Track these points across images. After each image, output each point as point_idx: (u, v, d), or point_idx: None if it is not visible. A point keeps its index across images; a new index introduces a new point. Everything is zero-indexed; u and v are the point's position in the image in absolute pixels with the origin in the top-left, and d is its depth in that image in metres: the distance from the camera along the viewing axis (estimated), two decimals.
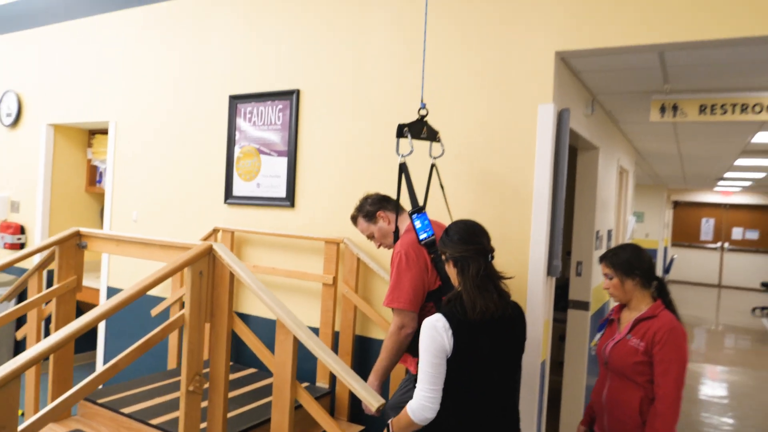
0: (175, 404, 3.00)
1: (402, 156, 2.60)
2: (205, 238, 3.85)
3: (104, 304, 2.10)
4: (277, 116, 3.74)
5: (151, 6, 4.36)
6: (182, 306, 3.99)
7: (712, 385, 6.31)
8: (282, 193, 3.71)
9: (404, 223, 2.65)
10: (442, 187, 2.81)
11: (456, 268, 2.10)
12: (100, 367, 4.59)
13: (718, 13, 2.50)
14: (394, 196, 2.72)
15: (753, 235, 15.28)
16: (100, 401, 2.97)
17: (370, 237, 2.77)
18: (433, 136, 2.79)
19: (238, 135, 3.91)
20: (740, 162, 7.69)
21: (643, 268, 2.39)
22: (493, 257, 2.14)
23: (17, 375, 1.65)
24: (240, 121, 3.89)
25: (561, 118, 2.90)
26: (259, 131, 3.81)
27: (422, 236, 2.41)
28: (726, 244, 15.49)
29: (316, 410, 2.24)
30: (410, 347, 2.46)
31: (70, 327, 1.98)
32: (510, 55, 2.93)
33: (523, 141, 2.89)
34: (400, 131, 2.61)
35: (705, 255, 15.71)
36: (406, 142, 2.61)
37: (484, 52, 3.00)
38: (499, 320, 2.05)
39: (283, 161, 3.71)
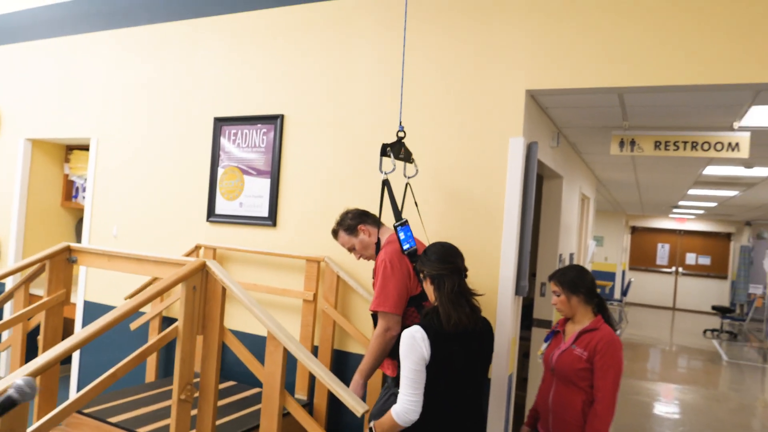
0: (159, 414, 3.10)
1: (385, 173, 2.83)
2: (187, 255, 3.97)
3: (104, 317, 2.22)
4: (261, 139, 3.91)
5: (138, 28, 4.49)
6: (162, 320, 4.11)
7: (666, 402, 6.63)
8: (264, 212, 3.86)
9: (385, 235, 2.85)
10: (416, 204, 3.04)
11: (433, 285, 2.33)
12: (74, 380, 4.61)
13: (671, 63, 2.80)
14: (374, 212, 2.92)
15: (705, 260, 15.99)
16: (86, 411, 3.05)
17: (351, 249, 2.94)
18: (408, 157, 3.02)
19: (221, 155, 4.06)
20: (693, 192, 8.16)
21: (586, 287, 2.67)
22: (466, 276, 2.36)
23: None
24: (224, 142, 4.05)
25: (530, 150, 3.15)
26: (243, 153, 3.97)
27: (405, 246, 2.64)
28: (680, 269, 16.16)
29: (303, 417, 2.40)
30: (390, 351, 2.64)
31: (76, 337, 2.11)
32: (485, 91, 3.19)
33: (495, 169, 3.13)
34: (384, 150, 2.85)
35: (660, 279, 16.34)
36: (388, 161, 2.84)
37: (461, 87, 3.25)
38: (471, 332, 2.28)
39: (266, 182, 3.88)
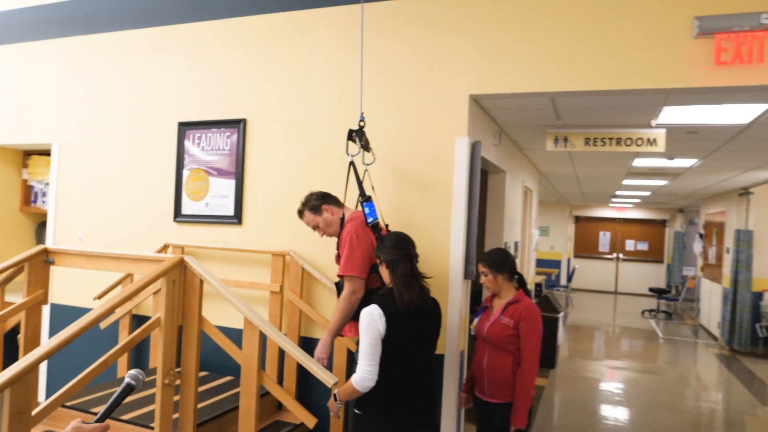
0: (140, 403, 3.31)
1: (351, 155, 3.20)
2: (157, 253, 4.15)
3: (87, 315, 2.41)
4: (225, 142, 4.14)
5: (101, 35, 4.62)
6: (132, 318, 4.28)
7: (608, 378, 7.17)
8: (230, 211, 4.10)
9: (347, 212, 3.19)
10: (372, 188, 3.41)
11: (388, 269, 2.66)
12: (43, 377, 4.72)
13: (596, 71, 3.20)
14: (337, 195, 3.28)
15: (643, 246, 16.96)
16: (67, 404, 3.22)
17: (315, 227, 3.25)
18: (366, 146, 3.37)
19: (186, 158, 4.26)
20: (627, 182, 8.79)
21: (509, 266, 3.11)
22: (417, 261, 2.71)
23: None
24: (189, 146, 4.25)
25: (474, 149, 3.51)
26: (208, 155, 4.19)
27: (370, 219, 3.03)
28: (620, 255, 17.08)
29: (278, 392, 2.68)
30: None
31: (60, 336, 2.29)
32: (433, 95, 3.52)
33: (444, 165, 3.48)
34: (350, 135, 3.22)
35: (603, 265, 17.24)
36: (353, 145, 3.22)
37: (412, 92, 3.58)
38: (422, 311, 2.63)
39: (231, 182, 4.11)
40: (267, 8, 4.02)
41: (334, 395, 2.57)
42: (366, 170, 3.39)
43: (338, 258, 3.07)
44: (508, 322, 2.98)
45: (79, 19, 4.74)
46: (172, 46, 4.35)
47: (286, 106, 3.94)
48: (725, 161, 6.02)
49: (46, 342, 2.26)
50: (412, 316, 2.58)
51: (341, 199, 3.29)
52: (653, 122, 4.05)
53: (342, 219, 3.17)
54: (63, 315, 4.59)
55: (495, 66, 3.39)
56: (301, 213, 3.26)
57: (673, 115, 3.87)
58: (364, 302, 2.82)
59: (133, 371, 1.52)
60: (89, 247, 4.52)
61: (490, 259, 3.11)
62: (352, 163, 3.23)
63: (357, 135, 3.26)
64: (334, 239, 3.31)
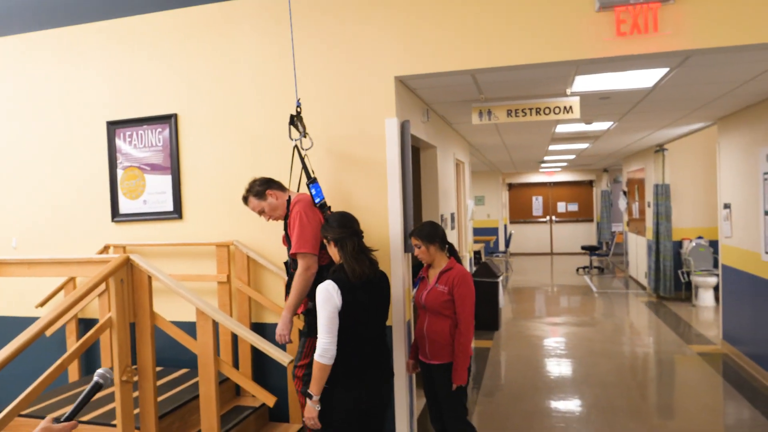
0: (98, 404, 3.34)
1: (294, 140, 3.33)
2: (98, 254, 4.13)
3: (38, 322, 2.45)
4: (157, 138, 4.13)
5: (20, 36, 4.47)
6: (78, 322, 4.26)
7: (549, 334, 7.62)
8: (169, 207, 4.11)
9: (293, 195, 3.33)
10: (312, 172, 3.48)
11: (336, 247, 2.81)
12: None
13: (511, 46, 3.41)
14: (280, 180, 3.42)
15: (574, 207, 17.79)
16: (24, 413, 3.22)
17: (260, 212, 3.37)
18: (304, 131, 3.49)
19: (119, 157, 4.23)
20: (552, 147, 9.22)
21: (439, 237, 3.34)
22: (362, 236, 2.86)
23: None
24: (120, 144, 4.21)
25: (403, 128, 3.67)
26: (141, 153, 4.17)
27: (317, 200, 3.22)
28: (553, 218, 17.86)
29: (237, 376, 2.79)
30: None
31: (15, 343, 2.33)
32: (361, 79, 3.65)
33: (376, 145, 3.63)
34: (292, 120, 3.36)
35: (537, 228, 17.98)
36: (295, 130, 3.37)
37: (342, 76, 3.69)
38: (372, 282, 2.81)
39: (168, 178, 4.12)
40: (189, 1, 4.01)
41: (308, 394, 2.67)
42: (305, 155, 3.50)
43: (285, 240, 3.22)
44: (442, 289, 3.21)
45: None
46: (94, 44, 4.27)
47: (216, 98, 3.98)
48: (637, 122, 6.45)
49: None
50: (365, 288, 2.75)
51: (286, 184, 3.41)
52: (568, 91, 4.34)
53: (288, 201, 3.29)
54: (3, 326, 4.49)
55: (416, 48, 3.55)
56: (245, 199, 3.38)
57: (585, 83, 4.16)
58: (316, 280, 2.97)
59: (101, 370, 1.60)
60: (28, 255, 4.45)
61: (421, 232, 3.33)
62: (295, 147, 3.35)
63: (298, 119, 3.38)
64: (278, 225, 3.42)
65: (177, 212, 4.09)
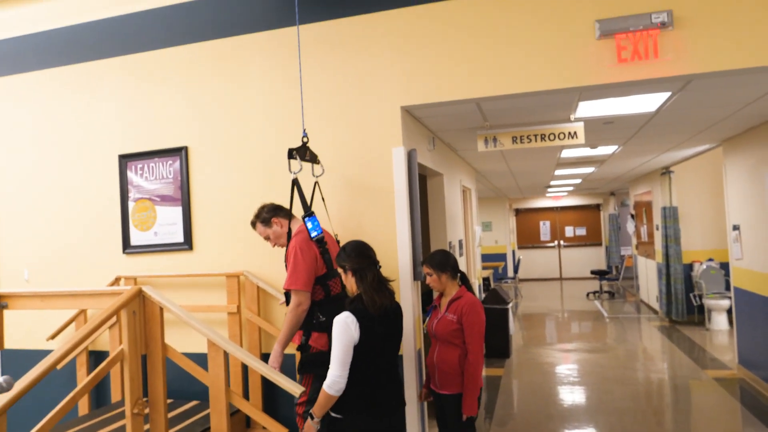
0: None
1: (294, 173, 3.31)
2: (109, 286, 4.16)
3: (51, 355, 2.47)
4: (168, 171, 4.20)
5: (34, 73, 4.59)
6: (89, 354, 4.28)
7: (561, 361, 7.54)
8: (180, 238, 4.15)
9: (295, 225, 3.35)
10: (323, 200, 3.56)
11: (355, 277, 2.79)
12: None
13: (515, 75, 3.47)
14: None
15: (582, 231, 17.75)
16: None
17: (267, 238, 3.43)
18: (314, 159, 3.53)
19: (131, 189, 4.29)
20: (558, 172, 9.25)
21: (451, 265, 3.34)
22: (380, 267, 2.87)
23: None
24: (132, 176, 4.28)
25: (410, 156, 3.72)
26: (152, 185, 4.23)
27: (313, 234, 3.18)
28: (561, 242, 17.80)
29: (248, 408, 2.79)
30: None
31: (30, 376, 2.35)
32: (368, 109, 3.72)
33: (384, 173, 3.67)
34: (290, 153, 3.33)
35: (546, 253, 17.92)
36: (295, 162, 3.34)
37: (349, 106, 3.76)
38: (390, 313, 2.79)
39: (178, 210, 4.17)
40: (199, 37, 4.12)
41: (310, 415, 2.67)
42: (317, 182, 3.54)
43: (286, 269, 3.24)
44: (451, 317, 3.21)
45: (8, 58, 4.69)
46: (107, 80, 4.37)
47: (226, 130, 4.05)
48: (642, 145, 6.48)
49: (13, 387, 2.30)
50: (382, 319, 2.73)
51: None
52: (572, 116, 4.38)
53: (289, 232, 3.32)
54: (15, 359, 4.51)
55: (422, 78, 3.61)
56: (253, 224, 3.45)
57: (588, 108, 4.21)
58: (334, 311, 2.98)
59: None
60: (39, 287, 4.49)
61: (433, 260, 3.34)
62: (294, 181, 3.37)
63: (298, 152, 3.39)
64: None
65: (187, 243, 4.13)
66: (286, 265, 3.21)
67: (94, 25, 4.43)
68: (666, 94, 3.93)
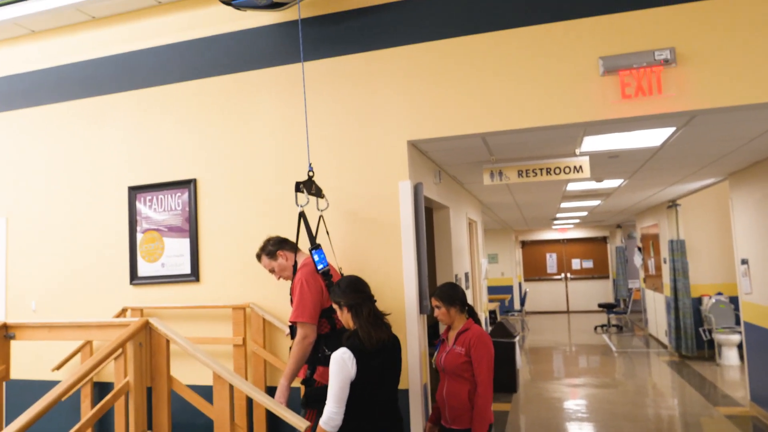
0: None
1: (300, 206, 3.35)
2: (116, 317, 4.17)
3: (58, 387, 2.47)
4: (176, 203, 4.24)
5: (46, 107, 4.68)
6: (93, 385, 4.26)
7: (570, 396, 7.43)
8: (187, 269, 4.17)
9: (301, 258, 3.37)
10: (327, 233, 3.59)
11: (351, 312, 2.80)
12: None
13: (520, 110, 3.52)
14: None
15: (588, 264, 17.66)
16: None
17: (272, 271, 3.45)
18: (319, 193, 3.57)
19: (140, 220, 4.33)
20: (564, 205, 9.26)
21: (459, 299, 3.31)
22: (375, 301, 2.88)
23: None
24: (141, 208, 4.33)
25: (416, 190, 3.75)
26: (161, 216, 4.27)
27: (320, 267, 3.19)
28: (568, 275, 17.70)
29: None
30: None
31: (37, 407, 2.34)
32: (375, 143, 3.77)
33: (391, 207, 3.70)
34: (297, 187, 3.38)
35: (552, 286, 17.81)
36: (302, 195, 3.39)
37: (356, 140, 3.81)
38: (387, 347, 2.78)
39: (186, 241, 4.20)
40: (209, 72, 4.21)
41: None
42: (321, 216, 3.57)
43: (292, 302, 3.23)
44: (460, 350, 3.17)
45: (21, 92, 4.80)
46: (117, 114, 4.46)
47: (234, 163, 4.11)
48: (648, 179, 6.51)
49: (18, 419, 2.30)
50: (379, 353, 2.73)
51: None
52: (577, 151, 4.42)
53: (295, 265, 3.33)
54: (20, 390, 4.49)
55: (428, 113, 3.67)
56: (259, 257, 3.47)
57: (593, 143, 4.25)
58: (339, 345, 2.97)
59: None
60: (47, 318, 4.50)
61: (441, 293, 3.31)
62: (301, 214, 3.40)
63: (305, 186, 3.44)
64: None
65: (194, 275, 4.15)
66: (291, 298, 3.21)
67: (106, 60, 4.54)
68: (670, 129, 3.97)
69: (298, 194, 3.44)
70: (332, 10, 3.94)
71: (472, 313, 3.35)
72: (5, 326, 3.21)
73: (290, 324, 3.19)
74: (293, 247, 3.42)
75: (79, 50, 4.64)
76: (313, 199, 3.56)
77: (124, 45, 4.50)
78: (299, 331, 3.08)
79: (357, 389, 2.63)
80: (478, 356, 3.12)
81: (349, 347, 2.67)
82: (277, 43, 4.05)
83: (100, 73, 4.55)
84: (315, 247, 3.24)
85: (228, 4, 3.66)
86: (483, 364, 3.11)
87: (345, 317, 2.85)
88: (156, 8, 4.40)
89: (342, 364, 2.61)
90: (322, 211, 3.59)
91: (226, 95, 4.16)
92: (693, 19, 3.31)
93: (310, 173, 3.51)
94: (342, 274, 3.44)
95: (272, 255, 3.40)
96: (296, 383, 3.53)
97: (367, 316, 2.75)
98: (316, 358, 3.15)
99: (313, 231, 3.47)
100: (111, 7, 4.38)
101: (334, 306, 2.91)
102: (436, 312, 3.33)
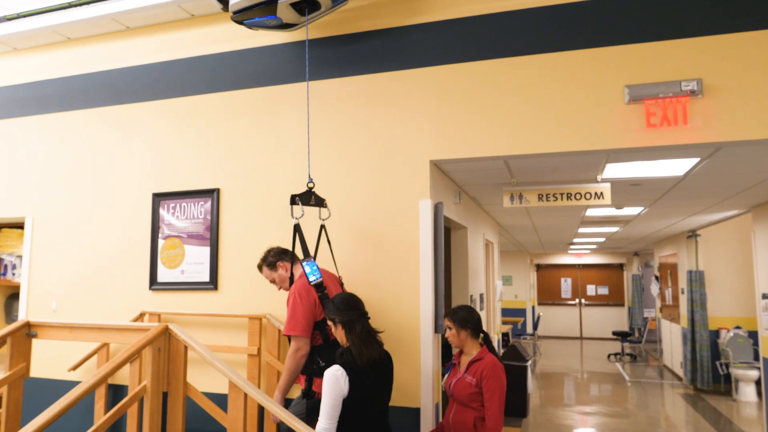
0: None
1: (296, 219, 3.41)
2: (134, 321, 4.22)
3: (79, 387, 2.51)
4: (199, 211, 4.31)
5: (77, 112, 4.80)
6: (108, 387, 4.30)
7: (581, 424, 7.33)
8: (206, 277, 4.22)
9: (298, 270, 3.41)
10: (329, 242, 3.64)
11: (344, 329, 2.84)
12: None
13: (544, 135, 3.54)
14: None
15: (604, 290, 17.47)
16: None
17: (273, 282, 3.52)
18: (320, 203, 3.61)
19: (162, 227, 4.40)
20: (582, 230, 9.21)
21: (473, 323, 3.25)
22: (368, 318, 2.91)
23: None
24: (164, 214, 4.40)
25: (436, 209, 3.77)
26: (183, 224, 4.34)
27: (311, 279, 3.22)
28: (583, 300, 17.52)
29: None
30: (303, 368, 3.18)
31: (58, 405, 2.38)
32: (397, 162, 3.80)
33: (410, 225, 3.72)
34: (293, 200, 3.44)
35: (566, 311, 17.62)
36: (297, 208, 3.47)
37: (378, 159, 3.85)
38: (378, 364, 2.82)
39: (206, 249, 4.25)
40: (235, 85, 4.29)
41: None
42: (323, 226, 3.63)
43: None
44: (470, 380, 3.10)
45: (54, 97, 4.93)
46: (145, 122, 4.55)
47: (256, 175, 4.17)
48: (669, 208, 6.46)
49: (38, 417, 2.34)
50: (372, 370, 2.77)
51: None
52: (599, 177, 4.42)
53: (291, 276, 3.39)
54: (38, 388, 4.55)
55: (452, 134, 3.70)
56: (260, 268, 3.55)
57: (615, 170, 4.25)
58: (333, 356, 2.99)
59: None
60: (66, 318, 4.57)
61: (455, 315, 3.27)
62: (296, 226, 3.42)
63: (301, 198, 3.46)
64: None
65: (212, 283, 4.19)
66: (288, 309, 3.27)
67: (136, 69, 4.65)
68: (695, 160, 3.96)
69: (294, 207, 3.47)
70: (358, 30, 4.01)
71: (487, 340, 3.28)
72: (28, 325, 3.27)
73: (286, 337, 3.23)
74: (292, 258, 3.47)
75: (112, 59, 4.76)
76: (315, 210, 3.60)
77: (155, 55, 4.61)
78: (292, 344, 3.14)
79: (349, 406, 2.67)
80: (491, 389, 3.03)
81: (342, 364, 2.70)
82: (302, 60, 4.12)
83: (131, 82, 4.66)
84: (305, 258, 3.27)
85: (240, 23, 3.77)
86: (495, 398, 3.01)
87: (339, 333, 2.89)
88: (188, 21, 4.51)
89: (335, 381, 2.65)
90: (324, 220, 3.65)
91: (252, 108, 4.23)
92: (721, 51, 3.32)
93: (310, 185, 3.56)
94: (342, 283, 3.51)
95: (272, 266, 3.48)
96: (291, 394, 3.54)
97: (360, 333, 2.79)
98: (312, 370, 3.19)
99: (315, 241, 3.55)
100: (145, 18, 4.49)
101: (329, 322, 2.95)
102: (447, 333, 3.29)
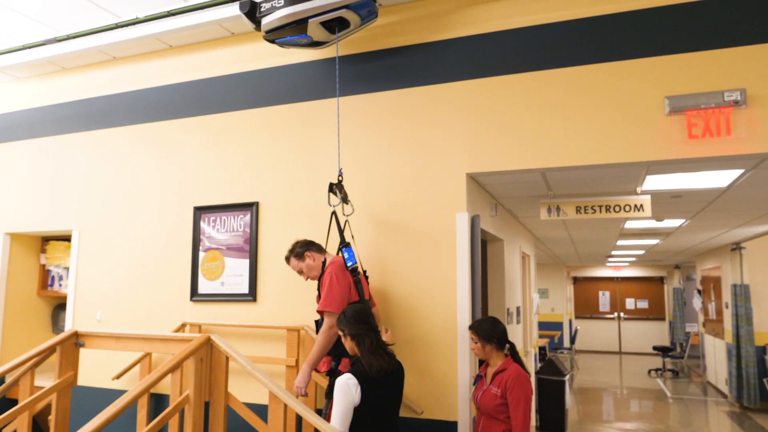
0: None
1: (332, 206, 3.62)
2: (175, 332, 4.32)
3: (126, 395, 2.59)
4: (238, 224, 4.40)
5: (121, 128, 4.97)
6: (150, 397, 4.40)
7: None
8: (245, 289, 4.30)
9: (329, 258, 3.55)
10: (352, 237, 3.79)
11: (354, 341, 2.88)
12: None
13: (583, 147, 3.51)
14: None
15: (643, 304, 17.05)
16: None
17: (300, 272, 3.64)
18: (345, 198, 3.76)
19: (203, 239, 4.51)
20: (621, 242, 9.05)
21: (498, 336, 3.21)
22: (378, 332, 2.94)
23: None
24: (204, 227, 4.50)
25: (473, 222, 3.77)
26: (223, 237, 4.44)
27: (349, 263, 3.39)
28: (622, 314, 17.12)
29: None
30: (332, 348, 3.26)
31: (107, 413, 2.47)
32: (434, 175, 3.82)
33: (447, 237, 3.73)
34: (331, 188, 3.63)
35: (604, 325, 17.24)
36: (334, 197, 3.65)
37: (416, 172, 3.88)
38: (391, 374, 2.85)
39: (245, 262, 4.33)
40: (275, 101, 4.39)
41: None
42: (347, 221, 3.79)
43: (318, 299, 3.38)
44: (496, 391, 3.07)
45: (99, 114, 5.11)
46: (186, 137, 4.69)
47: (294, 189, 4.24)
48: (712, 220, 6.30)
49: (87, 424, 2.42)
50: (383, 380, 2.81)
51: (324, 246, 3.70)
52: (639, 189, 4.35)
53: (323, 263, 3.50)
54: (83, 396, 4.69)
55: (488, 147, 3.71)
56: (288, 259, 3.67)
57: (656, 182, 4.17)
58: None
59: None
60: (110, 329, 4.71)
61: (479, 328, 3.22)
62: (333, 213, 3.62)
63: (337, 187, 3.64)
64: None
65: (252, 295, 4.27)
66: (318, 293, 3.37)
67: (179, 86, 4.80)
68: (738, 171, 3.87)
69: (331, 195, 3.63)
70: (388, 46, 4.07)
71: (513, 351, 3.25)
72: (76, 334, 3.39)
73: (318, 315, 3.33)
74: (320, 249, 3.62)
75: (154, 77, 4.92)
76: (336, 202, 3.73)
77: (194, 73, 4.75)
78: (326, 320, 3.21)
79: (360, 414, 2.71)
80: (515, 399, 3.00)
81: (354, 374, 2.74)
82: (339, 75, 4.19)
83: (172, 99, 4.81)
84: (345, 244, 3.46)
85: (272, 42, 3.86)
86: (520, 407, 2.99)
87: (349, 345, 2.94)
88: (226, 39, 4.64)
89: (347, 389, 2.69)
90: (347, 216, 3.82)
91: (288, 123, 4.31)
92: (765, 60, 3.25)
93: (340, 177, 3.71)
94: (366, 277, 3.62)
95: (300, 256, 3.60)
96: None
97: (369, 346, 2.83)
98: (341, 350, 3.22)
99: (337, 236, 3.68)
100: (187, 37, 4.64)
101: (339, 333, 3.00)
102: (472, 345, 3.27)
